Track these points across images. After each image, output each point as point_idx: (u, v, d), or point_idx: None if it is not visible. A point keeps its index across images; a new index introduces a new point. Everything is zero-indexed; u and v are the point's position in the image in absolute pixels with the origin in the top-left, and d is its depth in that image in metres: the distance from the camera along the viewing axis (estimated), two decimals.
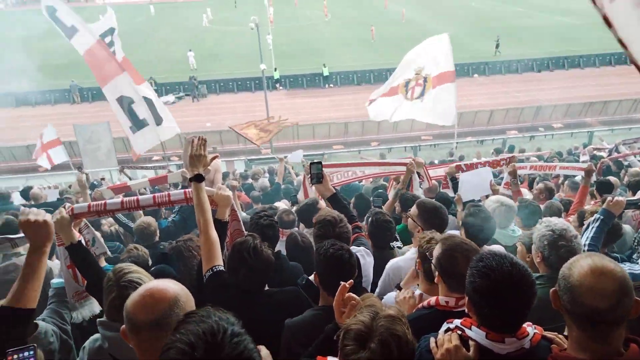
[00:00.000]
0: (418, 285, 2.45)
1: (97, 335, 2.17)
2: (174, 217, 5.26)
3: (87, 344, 2.19)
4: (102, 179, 9.56)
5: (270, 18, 37.36)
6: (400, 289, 2.58)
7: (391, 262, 3.02)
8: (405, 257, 3.01)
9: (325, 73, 27.89)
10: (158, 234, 4.23)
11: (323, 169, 3.30)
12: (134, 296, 1.49)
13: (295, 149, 20.64)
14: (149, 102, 8.59)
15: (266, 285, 2.46)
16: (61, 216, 2.52)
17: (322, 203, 4.15)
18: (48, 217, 1.91)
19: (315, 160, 3.34)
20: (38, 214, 1.91)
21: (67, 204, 2.76)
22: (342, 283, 1.90)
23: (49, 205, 7.23)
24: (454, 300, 1.96)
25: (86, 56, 8.28)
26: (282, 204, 6.45)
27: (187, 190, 2.79)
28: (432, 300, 2.02)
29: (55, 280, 2.77)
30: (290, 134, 21.50)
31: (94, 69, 8.40)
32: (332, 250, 2.23)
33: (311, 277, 2.57)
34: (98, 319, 2.11)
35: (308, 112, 24.22)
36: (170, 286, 1.51)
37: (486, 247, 2.99)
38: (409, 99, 10.79)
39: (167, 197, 2.77)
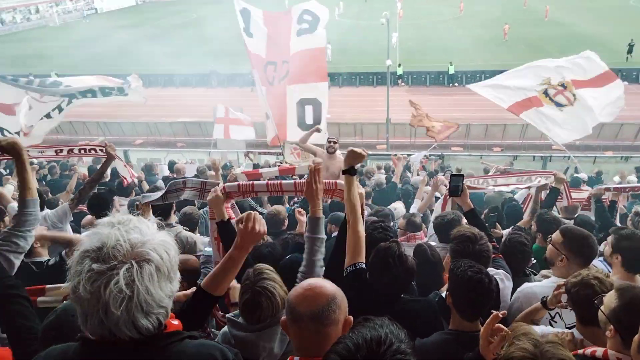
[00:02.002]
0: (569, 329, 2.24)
1: (225, 329, 2.29)
2: (297, 205, 5.51)
3: (219, 337, 2.33)
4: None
5: (399, 13, 36.89)
6: (545, 304, 2.41)
7: (524, 287, 2.79)
8: (542, 284, 2.77)
9: (451, 71, 26.88)
10: (286, 224, 4.43)
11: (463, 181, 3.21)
12: (297, 289, 1.62)
13: (410, 147, 20.32)
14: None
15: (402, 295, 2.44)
16: (216, 195, 2.77)
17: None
18: (264, 228, 1.97)
19: (457, 173, 3.26)
20: (260, 224, 1.95)
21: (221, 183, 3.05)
22: (495, 312, 1.81)
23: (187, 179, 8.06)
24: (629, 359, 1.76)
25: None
26: (398, 205, 6.39)
27: (329, 181, 2.82)
28: (599, 351, 1.84)
29: (208, 248, 3.11)
30: (408, 131, 21.15)
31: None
32: (471, 273, 2.12)
33: (444, 295, 2.49)
34: (227, 315, 2.27)
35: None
36: (328, 285, 1.61)
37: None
38: (567, 104, 8.97)
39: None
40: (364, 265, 2.33)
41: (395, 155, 10.51)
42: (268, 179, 4.35)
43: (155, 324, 1.23)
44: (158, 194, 3.51)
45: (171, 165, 9.14)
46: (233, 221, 2.73)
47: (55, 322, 1.77)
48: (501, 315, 1.81)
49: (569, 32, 34.07)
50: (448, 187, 3.27)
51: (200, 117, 21.07)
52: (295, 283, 2.36)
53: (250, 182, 3.02)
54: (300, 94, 9.09)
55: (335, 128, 19.26)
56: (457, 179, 3.24)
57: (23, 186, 2.50)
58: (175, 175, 8.46)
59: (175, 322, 1.39)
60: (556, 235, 2.88)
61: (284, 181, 3.05)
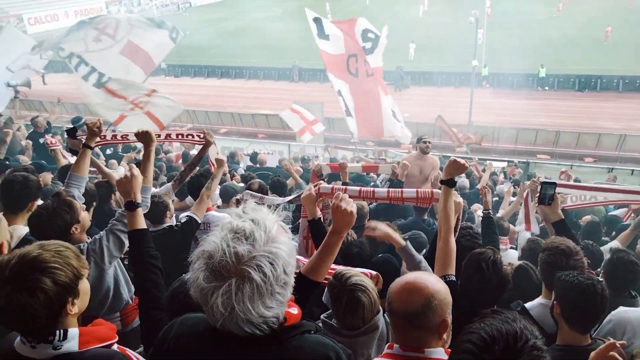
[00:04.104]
0: None
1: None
2: (373, 204, 5.53)
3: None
4: None
5: (487, 11, 35.22)
6: None
7: (619, 311, 2.56)
8: (638, 310, 2.57)
9: (542, 74, 25.26)
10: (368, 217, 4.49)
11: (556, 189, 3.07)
12: (399, 281, 1.63)
13: (492, 151, 19.45)
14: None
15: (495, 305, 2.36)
16: (309, 193, 2.83)
17: None
18: (355, 208, 1.98)
19: (549, 180, 3.13)
20: (348, 204, 1.96)
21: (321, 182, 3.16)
22: (612, 341, 1.68)
23: (269, 170, 8.39)
24: None
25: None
26: (479, 208, 6.24)
27: (419, 190, 2.85)
28: None
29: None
30: (491, 135, 20.27)
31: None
32: (582, 279, 2.04)
33: (527, 305, 2.42)
34: (321, 316, 2.24)
35: (513, 114, 22.39)
36: (430, 285, 1.57)
37: None
38: None
39: (399, 194, 2.92)
40: (453, 277, 2.29)
41: (478, 160, 10.17)
42: (389, 188, 4.45)
43: (266, 330, 1.24)
44: (266, 200, 3.72)
45: (253, 157, 9.53)
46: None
47: (182, 286, 1.94)
48: (618, 345, 1.66)
49: None
50: (537, 195, 3.11)
51: (281, 110, 21.66)
52: None
53: (343, 187, 3.08)
54: (392, 104, 9.75)
55: (414, 128, 18.84)
56: (549, 186, 3.08)
57: (143, 173, 2.61)
58: (258, 166, 8.83)
59: (295, 310, 1.41)
60: None
61: (405, 189, 3.03)
